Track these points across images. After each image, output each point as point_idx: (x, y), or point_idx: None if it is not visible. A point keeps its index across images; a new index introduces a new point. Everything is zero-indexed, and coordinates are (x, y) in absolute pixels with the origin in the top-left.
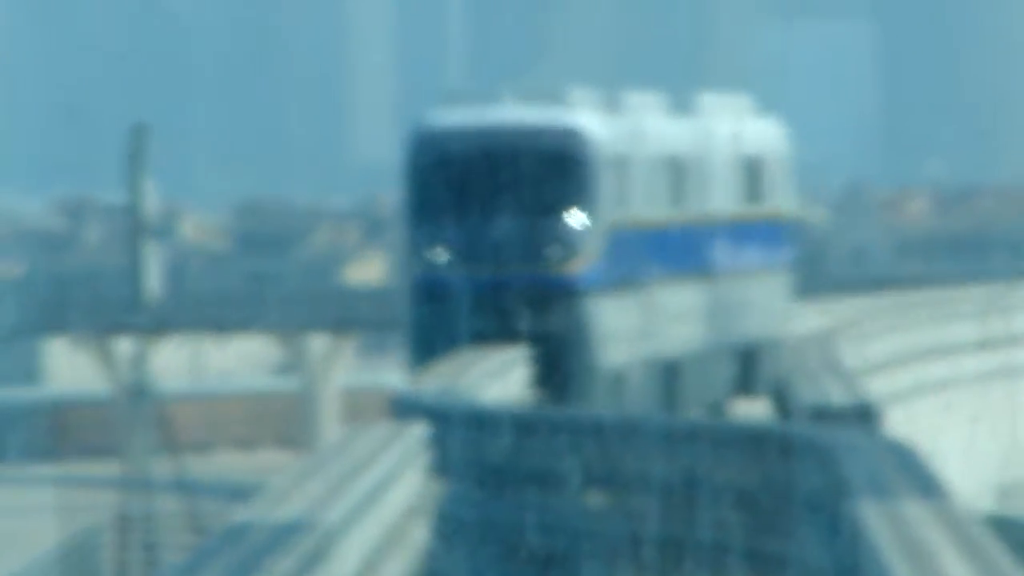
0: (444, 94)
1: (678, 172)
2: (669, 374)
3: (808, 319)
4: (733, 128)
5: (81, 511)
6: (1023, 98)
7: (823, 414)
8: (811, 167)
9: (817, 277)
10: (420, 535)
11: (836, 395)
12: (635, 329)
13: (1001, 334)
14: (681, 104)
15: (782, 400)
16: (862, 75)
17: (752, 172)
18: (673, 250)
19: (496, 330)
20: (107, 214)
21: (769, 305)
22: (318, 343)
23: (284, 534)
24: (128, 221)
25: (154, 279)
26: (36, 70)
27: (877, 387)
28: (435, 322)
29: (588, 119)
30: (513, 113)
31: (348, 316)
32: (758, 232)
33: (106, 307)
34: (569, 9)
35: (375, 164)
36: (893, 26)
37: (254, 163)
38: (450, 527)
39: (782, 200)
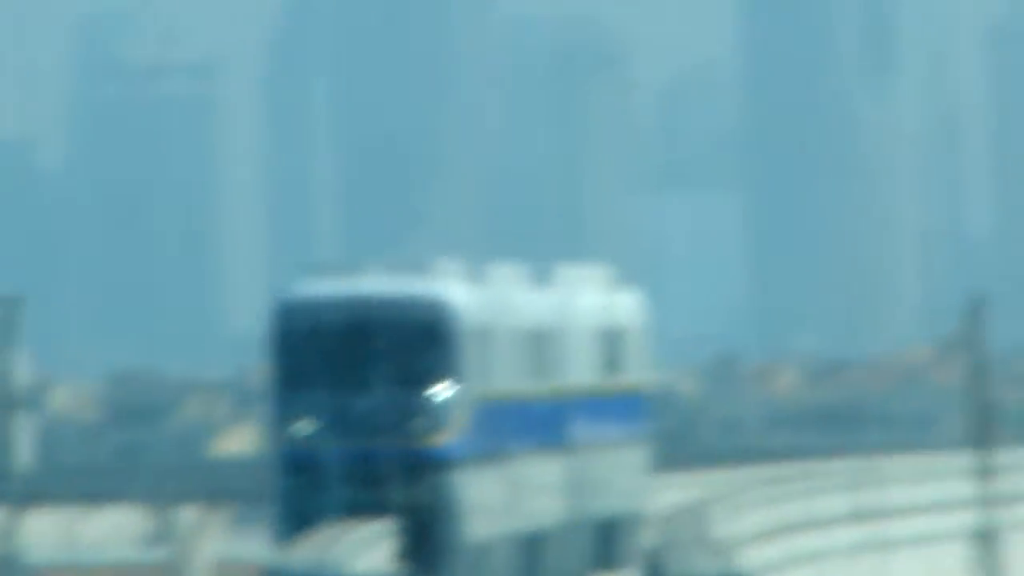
0: (308, 266)
1: (540, 344)
2: (532, 548)
3: (679, 490)
4: (592, 300)
5: None
6: (892, 272)
7: None
8: (682, 338)
9: (688, 447)
10: None
11: (706, 567)
12: (499, 503)
13: (872, 506)
14: (542, 275)
15: (653, 572)
16: (732, 246)
17: (610, 343)
18: (535, 423)
19: (363, 503)
20: None
21: (629, 477)
22: (189, 514)
23: None
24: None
25: (24, 450)
26: None
27: (749, 558)
28: (300, 496)
29: (453, 291)
30: (378, 284)
31: (219, 487)
32: (617, 404)
33: None
34: (443, 183)
35: (247, 335)
36: (762, 197)
37: (127, 333)
38: None
39: (640, 371)
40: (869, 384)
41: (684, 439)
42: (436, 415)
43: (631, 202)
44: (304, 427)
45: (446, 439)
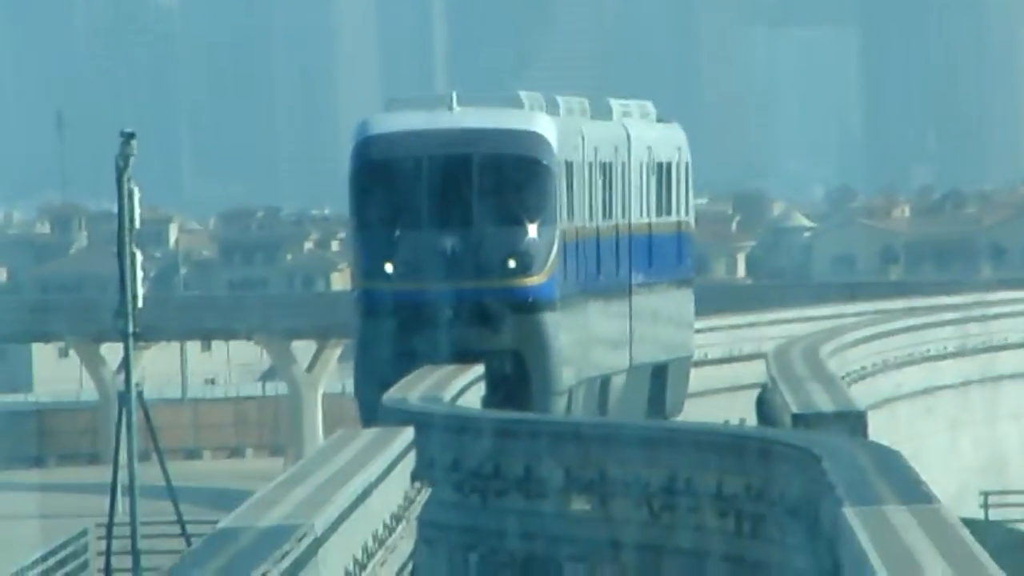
0: (389, 100)
1: (606, 179)
2: (603, 392)
3: (792, 325)
4: (646, 133)
5: (66, 517)
6: (1007, 105)
7: (808, 419)
8: (796, 174)
9: (801, 284)
10: (406, 541)
11: (821, 400)
12: (583, 346)
13: (981, 341)
14: (598, 109)
15: (768, 406)
16: (846, 83)
17: (661, 180)
18: (605, 263)
19: (453, 347)
20: (94, 221)
21: (680, 322)
22: (303, 350)
23: (271, 540)
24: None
25: (141, 286)
26: (21, 79)
27: (861, 393)
28: (384, 340)
29: (544, 123)
30: (465, 116)
31: (333, 323)
32: (669, 244)
33: (93, 313)
34: (556, 25)
35: None
36: (877, 33)
37: (240, 172)
38: (435, 533)
39: (686, 209)
40: (983, 218)
41: (798, 275)
42: (532, 253)
43: (745, 38)
44: (388, 268)
45: (543, 279)
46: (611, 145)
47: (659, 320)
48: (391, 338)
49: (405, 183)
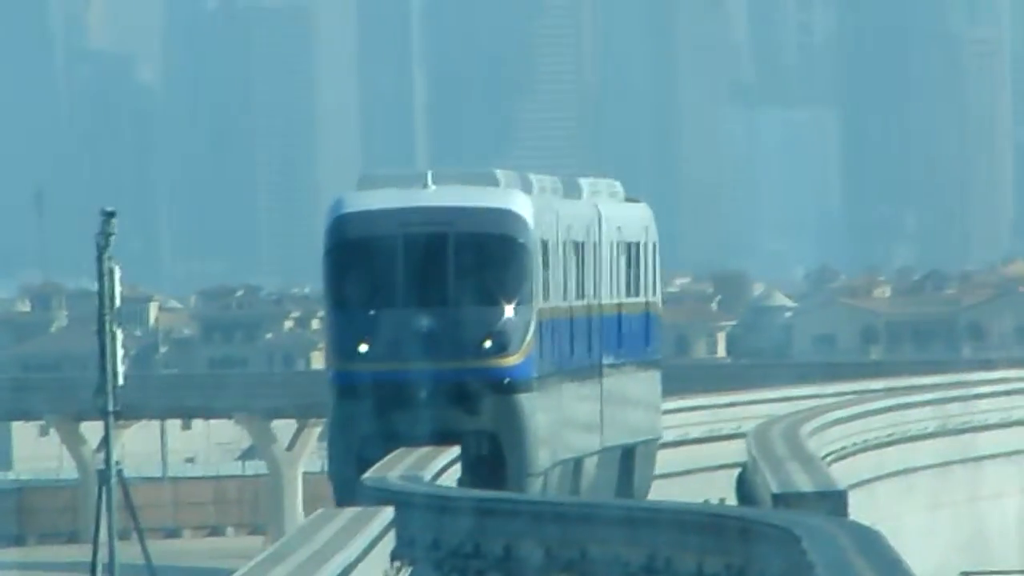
0: (364, 177)
1: (579, 259)
2: (577, 473)
3: (772, 405)
4: (616, 212)
5: None
6: (988, 185)
7: (788, 499)
8: (776, 253)
9: (781, 364)
10: None
11: (801, 480)
12: (556, 428)
13: (961, 421)
14: (567, 188)
15: (748, 486)
16: (827, 162)
17: (630, 259)
18: (578, 343)
19: (426, 428)
20: (74, 300)
21: (649, 403)
22: (283, 428)
23: None
24: (95, 306)
25: (121, 364)
26: (1, 156)
27: (840, 473)
28: (358, 421)
29: (521, 201)
30: (440, 193)
31: (313, 402)
32: (637, 324)
33: (73, 392)
34: (536, 102)
35: None
36: (857, 114)
37: (221, 249)
38: None
39: (654, 289)
40: (963, 299)
41: (777, 355)
42: (509, 333)
43: (725, 118)
44: (363, 347)
45: (519, 359)
46: (583, 224)
47: (628, 402)
48: (366, 418)
49: (380, 262)
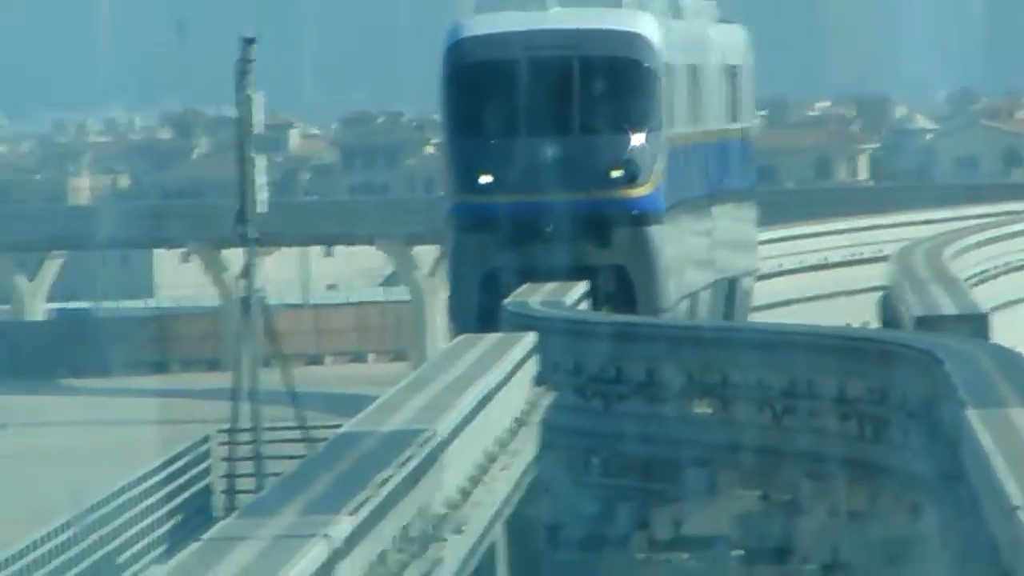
0: (478, 1)
1: (696, 84)
2: (694, 308)
3: (914, 227)
4: (720, 35)
5: (189, 423)
6: None
7: (931, 322)
8: (919, 76)
9: (923, 186)
10: (528, 445)
11: (944, 303)
12: (681, 262)
13: None
14: (672, 8)
15: (892, 308)
16: None
17: (733, 85)
18: (697, 173)
19: (553, 265)
20: (215, 127)
21: (748, 233)
22: (425, 254)
23: (394, 444)
24: (236, 133)
25: (262, 191)
26: None
27: (981, 295)
28: (479, 254)
29: (648, 23)
30: (567, 16)
31: None
32: (740, 151)
33: (214, 219)
34: None
35: None
36: None
37: (361, 76)
38: (556, 437)
39: (751, 114)
40: None
41: (919, 177)
42: (638, 163)
43: None
44: (484, 179)
45: (649, 190)
46: (697, 47)
47: (733, 234)
48: (487, 253)
49: (501, 88)
